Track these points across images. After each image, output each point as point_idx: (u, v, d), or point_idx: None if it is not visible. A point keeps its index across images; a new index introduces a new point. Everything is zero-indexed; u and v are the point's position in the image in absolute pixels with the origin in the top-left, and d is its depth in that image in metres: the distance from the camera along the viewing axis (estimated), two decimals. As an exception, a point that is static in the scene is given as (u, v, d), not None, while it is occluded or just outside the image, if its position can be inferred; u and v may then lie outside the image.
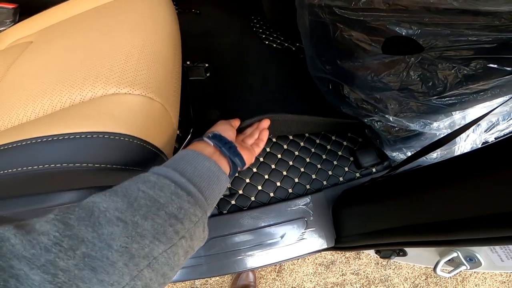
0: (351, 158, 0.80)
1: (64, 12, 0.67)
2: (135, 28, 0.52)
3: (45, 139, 0.30)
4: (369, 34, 0.46)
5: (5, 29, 0.69)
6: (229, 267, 0.66)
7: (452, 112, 0.49)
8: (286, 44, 1.11)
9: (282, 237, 0.68)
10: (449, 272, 0.42)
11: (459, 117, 0.50)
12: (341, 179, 0.77)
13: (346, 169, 0.79)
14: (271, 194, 0.72)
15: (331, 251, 1.04)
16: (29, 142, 0.30)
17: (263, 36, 1.16)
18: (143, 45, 0.47)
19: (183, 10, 1.18)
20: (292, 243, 0.68)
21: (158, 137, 0.39)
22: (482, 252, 0.38)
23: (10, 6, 0.73)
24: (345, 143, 0.83)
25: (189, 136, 0.68)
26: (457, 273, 0.41)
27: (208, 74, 0.90)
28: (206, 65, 0.91)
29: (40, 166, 0.30)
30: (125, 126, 0.33)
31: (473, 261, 0.39)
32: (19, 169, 0.30)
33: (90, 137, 0.31)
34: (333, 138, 0.83)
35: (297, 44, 1.11)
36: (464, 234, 0.33)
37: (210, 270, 0.65)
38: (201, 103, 0.80)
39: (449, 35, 0.40)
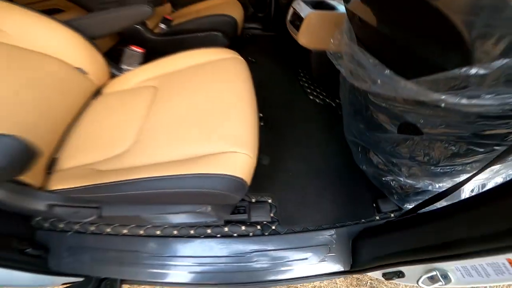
0: (374, 205, 1.02)
1: (174, 63, 0.97)
2: (229, 87, 0.80)
3: (197, 175, 0.57)
4: (390, 118, 0.71)
5: (132, 70, 1.01)
6: (267, 275, 0.87)
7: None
8: (327, 100, 1.38)
9: (308, 257, 0.89)
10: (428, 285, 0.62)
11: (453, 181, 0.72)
12: (363, 220, 0.98)
13: (368, 212, 1.00)
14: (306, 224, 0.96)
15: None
16: (188, 175, 0.57)
17: (308, 90, 1.45)
18: (236, 104, 0.75)
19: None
20: (315, 263, 0.88)
21: (248, 177, 0.63)
22: (451, 271, 0.57)
23: (140, 50, 1.05)
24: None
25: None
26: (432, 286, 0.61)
27: (262, 123, 1.18)
28: (261, 115, 1.20)
29: (192, 190, 0.57)
30: (235, 171, 0.59)
31: (446, 278, 0.59)
32: (181, 190, 0.57)
33: (220, 177, 0.57)
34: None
35: (337, 101, 1.38)
36: (444, 252, 0.55)
37: (250, 276, 0.86)
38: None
39: (441, 124, 0.63)
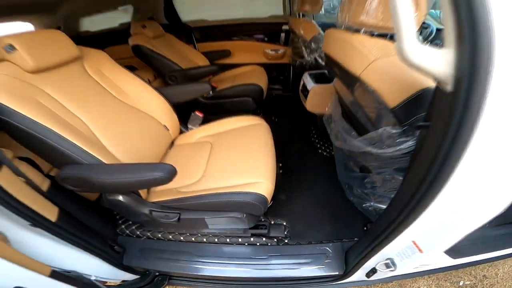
0: (364, 227, 1.39)
1: (221, 126, 1.50)
2: (258, 144, 1.31)
3: (239, 192, 1.05)
4: (356, 163, 1.15)
5: (194, 129, 1.57)
6: (280, 274, 1.25)
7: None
8: (332, 153, 1.85)
9: (310, 261, 1.26)
10: (383, 270, 0.99)
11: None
12: (355, 238, 1.34)
13: (359, 232, 1.38)
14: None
15: None
16: (235, 192, 1.06)
17: (318, 145, 1.93)
18: (261, 155, 1.24)
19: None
20: (315, 267, 1.24)
21: (268, 196, 1.08)
22: (396, 257, 0.95)
23: (201, 115, 1.64)
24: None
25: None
26: (387, 270, 0.97)
27: (281, 171, 1.67)
28: (280, 164, 1.68)
29: (236, 200, 1.04)
30: (260, 191, 1.04)
31: (394, 264, 0.96)
32: (230, 199, 1.05)
33: (252, 193, 1.04)
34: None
35: (340, 152, 1.85)
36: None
37: (268, 274, 1.25)
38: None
39: (376, 164, 1.07)
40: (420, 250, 0.84)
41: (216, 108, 2.16)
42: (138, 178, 0.90)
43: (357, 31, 1.06)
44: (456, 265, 1.26)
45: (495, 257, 1.29)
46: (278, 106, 2.62)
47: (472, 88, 0.47)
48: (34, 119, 0.88)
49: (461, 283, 1.50)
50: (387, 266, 1.00)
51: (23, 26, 2.39)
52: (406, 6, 0.48)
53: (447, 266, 1.27)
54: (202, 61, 2.58)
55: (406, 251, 0.92)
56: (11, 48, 0.96)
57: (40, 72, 1.05)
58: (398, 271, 1.04)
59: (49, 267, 0.89)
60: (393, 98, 0.83)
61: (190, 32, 2.86)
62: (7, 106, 0.85)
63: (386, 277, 1.27)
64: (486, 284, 1.50)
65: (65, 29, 2.61)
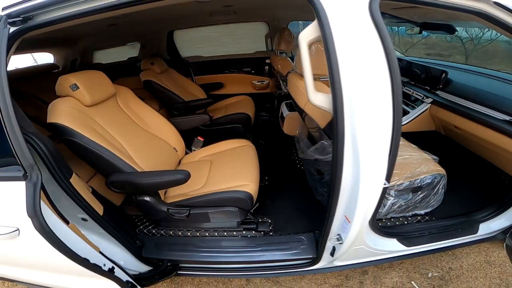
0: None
1: (218, 148, 1.99)
2: (246, 161, 1.79)
3: (233, 190, 1.54)
4: (314, 169, 1.64)
5: (196, 150, 2.05)
6: (267, 257, 1.68)
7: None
8: (307, 165, 2.35)
9: (289, 247, 1.66)
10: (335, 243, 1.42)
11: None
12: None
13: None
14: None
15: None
16: (230, 190, 1.53)
17: (296, 161, 2.42)
18: (248, 168, 1.71)
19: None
20: (293, 251, 1.64)
21: (254, 194, 1.53)
22: (341, 234, 1.39)
23: (202, 139, 2.14)
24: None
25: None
26: (338, 243, 1.40)
27: (266, 183, 2.14)
28: (266, 177, 2.16)
29: (230, 196, 1.52)
30: (248, 189, 1.51)
31: (341, 239, 1.40)
32: (226, 195, 1.52)
33: (242, 190, 1.50)
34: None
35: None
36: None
37: (257, 257, 1.68)
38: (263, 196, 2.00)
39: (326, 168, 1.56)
40: (348, 221, 1.26)
41: (213, 134, 2.63)
42: (165, 179, 1.38)
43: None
44: (411, 253, 1.64)
45: (444, 247, 1.66)
46: (265, 130, 3.14)
47: (338, 115, 1.00)
48: (92, 139, 1.33)
49: (429, 275, 1.79)
50: (338, 239, 1.39)
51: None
52: (309, 73, 1.01)
53: (404, 255, 1.64)
54: (199, 92, 3.10)
55: (343, 225, 1.33)
56: (76, 87, 1.44)
57: (92, 106, 1.52)
58: (361, 259, 1.53)
59: (98, 248, 1.31)
60: (322, 121, 1.34)
61: (188, 66, 3.42)
62: (73, 130, 1.31)
63: (355, 263, 1.64)
64: (453, 275, 1.77)
65: (81, 61, 3.14)
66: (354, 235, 1.30)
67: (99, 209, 1.36)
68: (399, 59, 2.91)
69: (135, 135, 1.68)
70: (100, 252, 1.29)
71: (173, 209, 1.57)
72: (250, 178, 1.62)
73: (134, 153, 1.57)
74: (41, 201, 1.01)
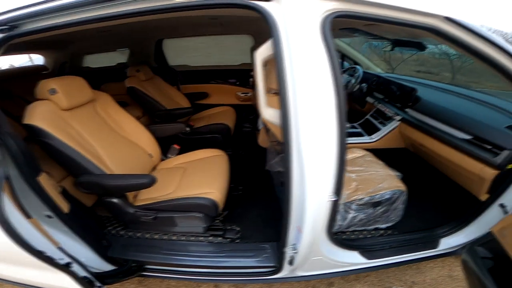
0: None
1: (192, 156, 2.10)
2: (217, 169, 1.90)
3: (198, 196, 1.62)
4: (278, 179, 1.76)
5: (172, 157, 2.16)
6: (231, 263, 1.77)
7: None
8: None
9: (254, 254, 1.73)
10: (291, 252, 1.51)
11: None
12: None
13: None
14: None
15: None
16: (196, 196, 1.64)
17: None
18: (218, 175, 1.83)
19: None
20: (258, 258, 1.71)
21: (219, 201, 1.63)
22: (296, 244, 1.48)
23: (178, 147, 2.25)
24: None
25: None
26: (293, 252, 1.47)
27: (240, 192, 2.26)
28: (241, 187, 2.28)
29: (195, 201, 1.61)
30: (212, 196, 1.62)
31: (296, 248, 1.48)
32: (191, 201, 1.63)
33: (206, 197, 1.60)
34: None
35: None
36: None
37: (222, 263, 1.76)
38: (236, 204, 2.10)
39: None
40: (300, 231, 1.34)
41: (192, 142, 2.73)
42: (131, 182, 1.50)
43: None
44: (374, 266, 1.70)
45: (405, 261, 1.72)
46: (247, 141, 3.25)
47: (284, 130, 1.12)
48: (64, 141, 1.44)
49: None
50: (293, 249, 1.45)
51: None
52: (262, 89, 1.13)
53: (368, 267, 1.71)
54: (184, 101, 3.23)
55: (297, 235, 1.40)
56: (54, 91, 1.55)
57: (69, 110, 1.64)
58: (324, 270, 1.62)
59: (58, 243, 1.38)
60: (280, 135, 1.46)
61: (175, 75, 3.56)
62: (47, 131, 1.42)
63: (318, 274, 1.69)
64: None
65: (71, 64, 3.27)
66: (306, 245, 1.38)
67: (65, 207, 1.45)
68: (377, 76, 3.05)
69: (110, 139, 1.79)
70: (60, 248, 1.37)
71: (140, 211, 1.67)
72: (216, 186, 1.73)
73: (107, 156, 1.67)
74: (3, 192, 1.11)
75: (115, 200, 1.60)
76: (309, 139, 1.13)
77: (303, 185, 1.19)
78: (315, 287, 1.90)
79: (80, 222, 1.54)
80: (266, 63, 1.22)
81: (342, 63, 3.57)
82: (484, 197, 1.69)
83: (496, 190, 1.60)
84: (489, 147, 1.65)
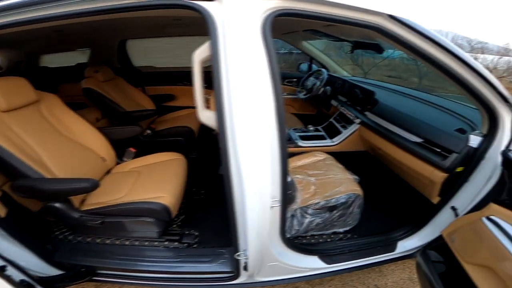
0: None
1: (149, 160, 2.05)
2: (173, 172, 1.86)
3: (149, 201, 1.59)
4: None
5: (127, 161, 2.09)
6: (188, 268, 1.72)
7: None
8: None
9: (211, 259, 1.69)
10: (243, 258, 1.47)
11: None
12: None
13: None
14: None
15: None
16: (146, 200, 1.59)
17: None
18: (172, 179, 1.79)
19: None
20: (214, 264, 1.68)
21: (171, 206, 1.60)
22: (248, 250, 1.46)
23: (134, 150, 2.19)
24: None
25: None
26: (245, 258, 1.46)
27: (202, 196, 2.22)
28: (203, 191, 2.25)
29: (145, 206, 1.58)
30: (164, 201, 1.57)
31: (246, 254, 1.47)
32: (141, 206, 1.59)
33: (157, 202, 1.56)
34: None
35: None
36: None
37: (178, 268, 1.71)
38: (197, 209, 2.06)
39: None
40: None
41: (154, 145, 2.69)
42: (70, 186, 1.44)
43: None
44: (336, 270, 1.72)
45: (365, 264, 1.75)
46: (214, 145, 3.20)
47: (220, 134, 1.10)
48: (2, 146, 1.37)
49: None
50: (245, 255, 1.42)
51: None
52: (199, 91, 1.12)
53: (329, 272, 1.71)
54: (148, 103, 3.15)
55: (246, 241, 1.35)
56: None
57: (8, 112, 1.56)
58: (285, 275, 1.62)
59: None
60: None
61: (140, 76, 3.48)
62: None
63: (279, 279, 1.69)
64: None
65: (26, 63, 3.12)
66: (254, 251, 1.36)
67: (1, 212, 1.40)
68: (342, 79, 3.10)
69: (55, 142, 1.72)
70: None
71: (86, 216, 1.61)
72: (168, 190, 1.69)
73: (50, 160, 1.60)
74: None
75: (57, 204, 1.54)
76: (246, 144, 1.10)
77: (242, 192, 1.17)
78: (281, 292, 1.88)
79: (20, 226, 1.49)
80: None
81: (311, 66, 3.60)
82: (436, 200, 1.74)
83: (447, 193, 1.65)
84: (438, 150, 1.70)
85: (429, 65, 1.31)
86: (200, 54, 1.14)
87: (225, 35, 1.03)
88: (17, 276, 1.34)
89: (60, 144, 1.74)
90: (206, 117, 1.22)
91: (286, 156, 1.19)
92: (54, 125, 1.80)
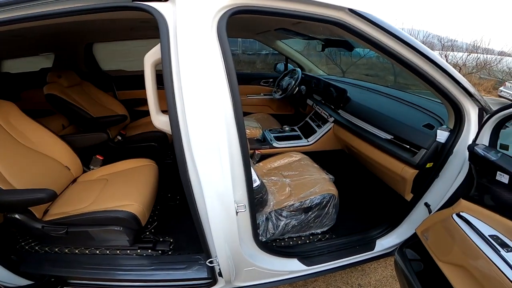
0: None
1: (118, 167, 2.01)
2: (144, 180, 1.82)
3: (116, 210, 1.53)
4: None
5: (94, 169, 2.02)
6: (161, 276, 1.66)
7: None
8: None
9: (186, 266, 1.64)
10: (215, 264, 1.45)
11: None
12: None
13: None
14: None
15: None
16: (114, 209, 1.54)
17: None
18: (143, 187, 1.74)
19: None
20: (189, 271, 1.62)
21: (140, 215, 1.57)
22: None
23: (101, 158, 2.11)
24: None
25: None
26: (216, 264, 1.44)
27: (177, 202, 2.18)
28: (178, 197, 2.21)
29: (112, 215, 1.53)
30: (133, 210, 1.53)
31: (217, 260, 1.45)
32: (108, 215, 1.53)
33: (125, 210, 1.52)
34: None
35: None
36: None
37: (151, 276, 1.65)
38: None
39: None
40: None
41: (125, 152, 2.61)
42: (25, 197, 1.40)
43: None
44: (313, 273, 1.70)
45: (346, 264, 1.74)
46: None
47: (174, 139, 1.06)
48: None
49: None
50: (216, 261, 1.38)
51: None
52: (151, 95, 1.10)
53: (308, 274, 1.70)
54: (120, 108, 3.05)
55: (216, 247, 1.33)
56: None
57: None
58: (264, 280, 1.59)
59: None
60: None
61: (110, 81, 3.37)
62: None
63: (258, 284, 1.65)
64: None
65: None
66: (224, 257, 1.32)
67: None
68: (317, 78, 3.13)
69: (11, 152, 1.65)
70: None
71: (49, 226, 1.55)
72: (136, 198, 1.66)
73: (7, 171, 1.53)
74: None
75: (17, 216, 1.49)
76: (202, 148, 1.06)
77: (203, 198, 1.14)
78: (265, 296, 1.87)
79: None
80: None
81: (287, 66, 3.61)
82: (409, 196, 1.77)
83: (419, 189, 1.68)
84: (407, 146, 1.72)
85: (392, 60, 1.32)
86: (151, 56, 1.10)
87: (176, 36, 0.99)
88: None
89: (17, 154, 1.67)
90: (161, 121, 1.18)
91: (247, 158, 1.16)
92: (10, 134, 1.72)
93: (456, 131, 1.49)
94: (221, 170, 1.10)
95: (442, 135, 1.53)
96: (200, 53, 1.01)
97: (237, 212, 1.18)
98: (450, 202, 1.50)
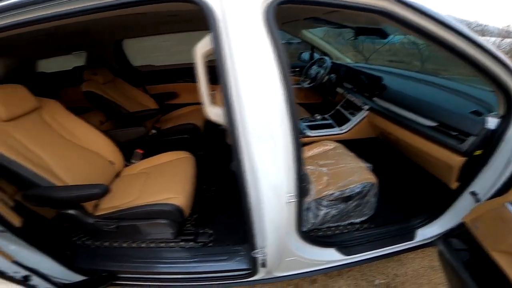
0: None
1: (156, 160, 2.03)
2: (182, 172, 1.84)
3: (161, 203, 1.57)
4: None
5: (136, 163, 2.07)
6: (205, 268, 1.70)
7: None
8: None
9: (227, 257, 1.66)
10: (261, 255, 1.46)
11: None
12: None
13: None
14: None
15: None
16: (158, 202, 1.59)
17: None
18: (182, 179, 1.77)
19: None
20: (230, 262, 1.65)
21: (183, 205, 1.59)
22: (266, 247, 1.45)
23: (141, 151, 2.16)
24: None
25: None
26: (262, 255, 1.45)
27: (213, 193, 2.21)
28: (214, 188, 2.27)
29: (158, 208, 1.56)
30: (176, 202, 1.56)
31: (264, 251, 1.45)
32: (154, 208, 1.57)
33: (170, 203, 1.55)
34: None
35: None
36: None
37: (195, 269, 1.70)
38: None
39: None
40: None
41: (160, 145, 2.66)
42: (80, 193, 1.43)
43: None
44: (354, 262, 1.69)
45: (384, 254, 1.71)
46: (221, 140, 3.17)
47: (231, 130, 1.07)
48: (6, 155, 1.35)
49: (376, 282, 1.87)
50: (262, 252, 1.41)
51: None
52: (204, 87, 1.09)
53: (347, 263, 1.69)
54: (151, 103, 3.11)
55: (264, 238, 1.34)
56: None
57: (10, 121, 1.53)
58: (302, 269, 1.61)
59: (12, 257, 1.29)
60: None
61: (140, 76, 3.43)
62: None
63: (297, 273, 1.66)
64: (398, 282, 1.85)
65: (23, 70, 3.07)
66: (273, 248, 1.34)
67: (16, 221, 1.38)
68: (346, 66, 3.06)
69: (60, 149, 1.69)
70: (15, 261, 1.29)
71: (101, 221, 1.60)
72: (179, 190, 1.68)
73: (58, 167, 1.58)
74: None
75: (71, 211, 1.54)
76: (258, 139, 1.07)
77: (257, 188, 1.15)
78: (298, 285, 1.90)
79: (38, 234, 1.48)
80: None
81: (312, 55, 3.55)
82: (454, 185, 1.68)
83: (466, 177, 1.60)
84: (454, 133, 1.64)
85: (440, 47, 1.26)
86: (202, 47, 1.10)
87: (227, 27, 0.98)
88: (42, 284, 1.34)
89: (66, 150, 1.72)
90: (215, 113, 1.18)
91: (300, 148, 1.15)
92: (58, 131, 1.77)
93: (508, 118, 1.40)
94: (277, 159, 1.11)
95: (492, 122, 1.45)
96: (251, 43, 1.00)
97: (287, 203, 1.18)
98: (502, 190, 1.44)
